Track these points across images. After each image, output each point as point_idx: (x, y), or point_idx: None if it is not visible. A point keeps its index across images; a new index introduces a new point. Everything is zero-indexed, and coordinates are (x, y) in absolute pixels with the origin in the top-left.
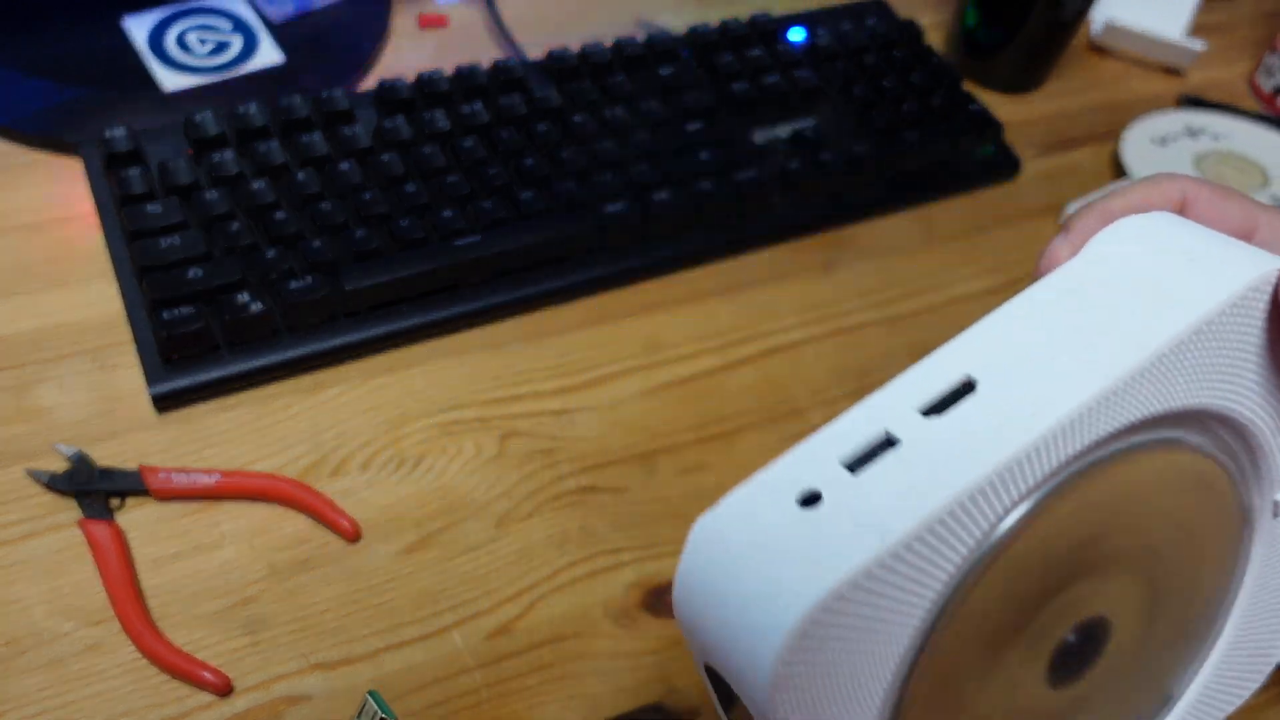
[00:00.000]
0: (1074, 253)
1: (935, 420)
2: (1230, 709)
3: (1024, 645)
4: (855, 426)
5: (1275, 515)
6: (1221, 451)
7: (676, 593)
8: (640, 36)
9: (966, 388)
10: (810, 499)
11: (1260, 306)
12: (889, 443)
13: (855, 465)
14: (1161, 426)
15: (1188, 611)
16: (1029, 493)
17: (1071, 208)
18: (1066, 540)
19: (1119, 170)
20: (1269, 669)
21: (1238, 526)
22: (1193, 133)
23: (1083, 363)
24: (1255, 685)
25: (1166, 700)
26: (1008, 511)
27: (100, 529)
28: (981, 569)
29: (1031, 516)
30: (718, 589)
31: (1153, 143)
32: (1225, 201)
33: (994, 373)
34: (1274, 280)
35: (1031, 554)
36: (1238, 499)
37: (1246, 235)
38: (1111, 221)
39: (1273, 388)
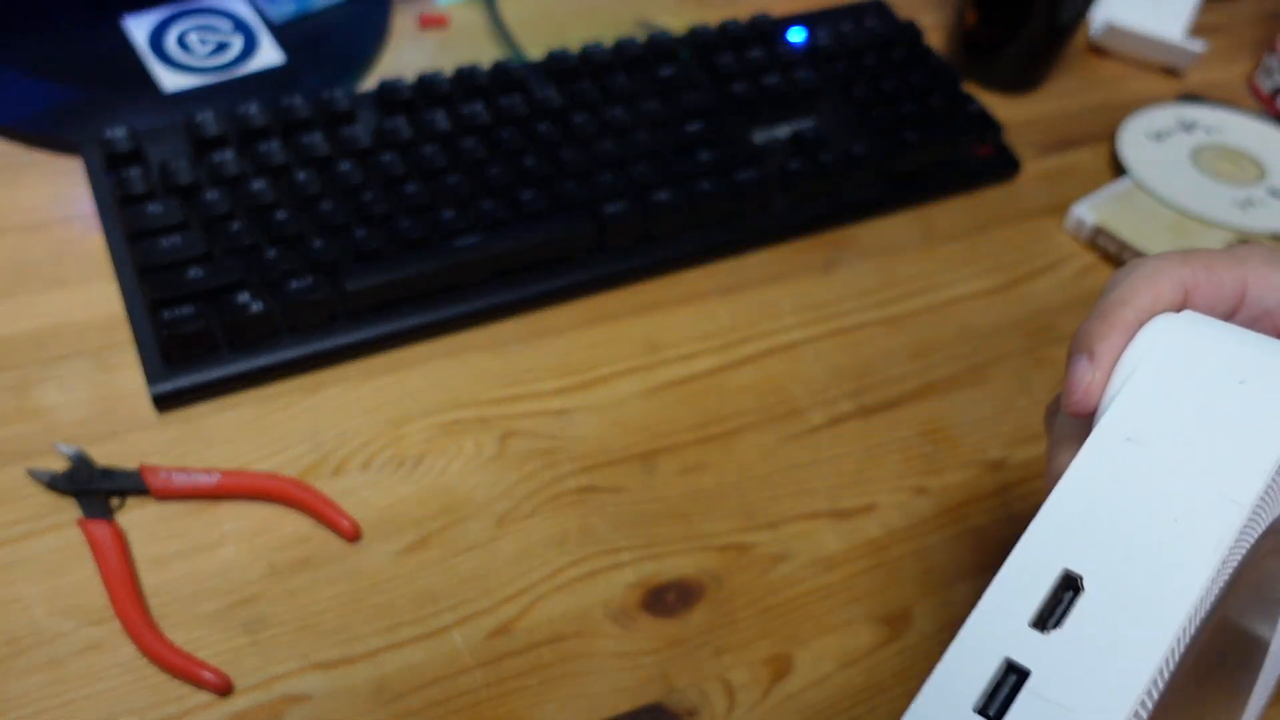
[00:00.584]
0: (1105, 378)
1: (1054, 635)
2: (1265, 702)
3: None
4: (974, 659)
5: None
6: None
7: None
8: (640, 36)
9: (1070, 585)
10: None
11: None
12: (1016, 672)
13: (991, 710)
14: None
15: (1253, 656)
16: (1165, 683)
17: (1078, 209)
18: (1179, 692)
19: (1118, 168)
20: None
21: None
22: (1187, 127)
23: (1181, 534)
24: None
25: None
26: (1149, 709)
27: (100, 528)
28: None
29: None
30: None
31: (1148, 138)
32: (1217, 272)
33: (1094, 561)
34: None
35: None
36: None
37: (1241, 295)
38: (1129, 334)
39: None
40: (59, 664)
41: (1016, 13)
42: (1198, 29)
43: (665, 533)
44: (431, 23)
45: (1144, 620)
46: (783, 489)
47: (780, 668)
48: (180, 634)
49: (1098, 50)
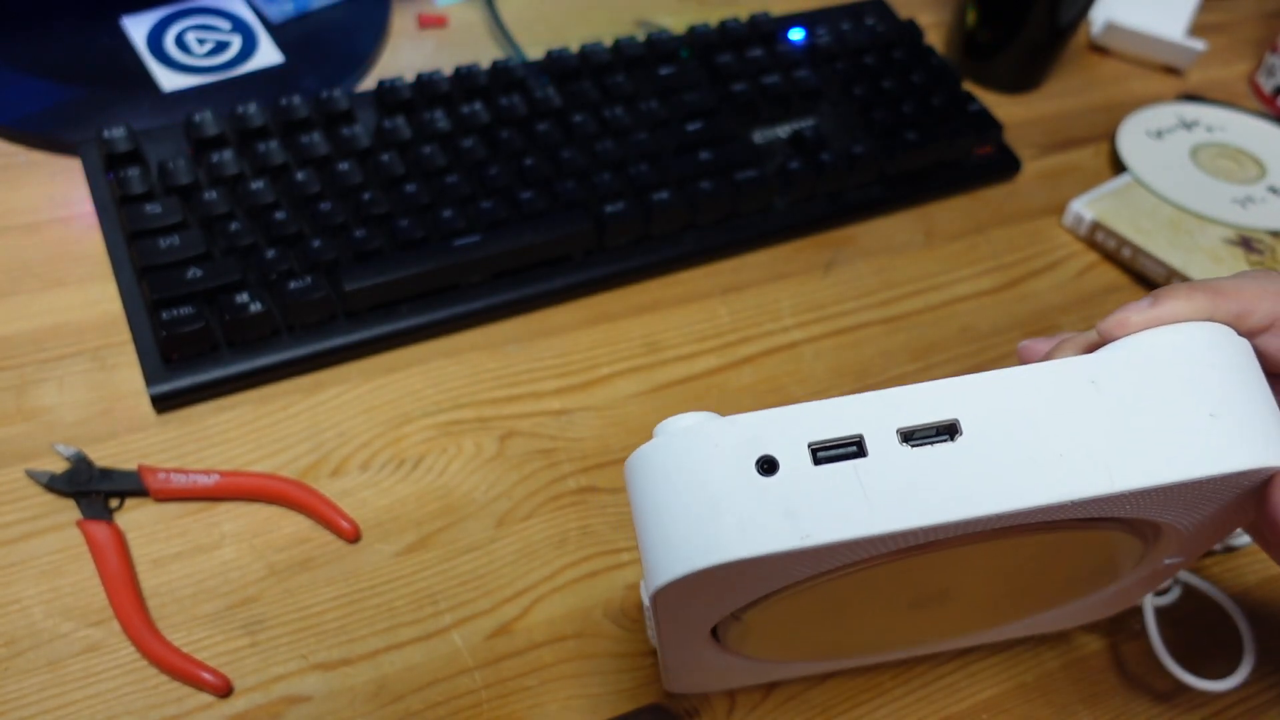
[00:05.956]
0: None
1: (906, 450)
2: None
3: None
4: (837, 417)
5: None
6: (1135, 533)
7: (631, 464)
8: (640, 36)
9: (950, 430)
10: (769, 467)
11: (1242, 485)
12: (859, 449)
13: (820, 456)
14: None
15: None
16: (938, 538)
17: (1076, 204)
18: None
19: (1118, 167)
20: None
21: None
22: (1188, 125)
23: (1050, 465)
24: None
25: None
26: (911, 550)
27: (99, 529)
28: (853, 573)
29: (924, 553)
30: (661, 493)
31: (1148, 135)
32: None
33: (981, 430)
34: (1270, 476)
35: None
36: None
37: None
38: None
39: (1205, 514)
40: (58, 665)
41: (1016, 13)
42: (1198, 28)
43: None
44: (431, 22)
45: (961, 497)
46: None
47: None
48: (180, 635)
49: (1098, 49)
